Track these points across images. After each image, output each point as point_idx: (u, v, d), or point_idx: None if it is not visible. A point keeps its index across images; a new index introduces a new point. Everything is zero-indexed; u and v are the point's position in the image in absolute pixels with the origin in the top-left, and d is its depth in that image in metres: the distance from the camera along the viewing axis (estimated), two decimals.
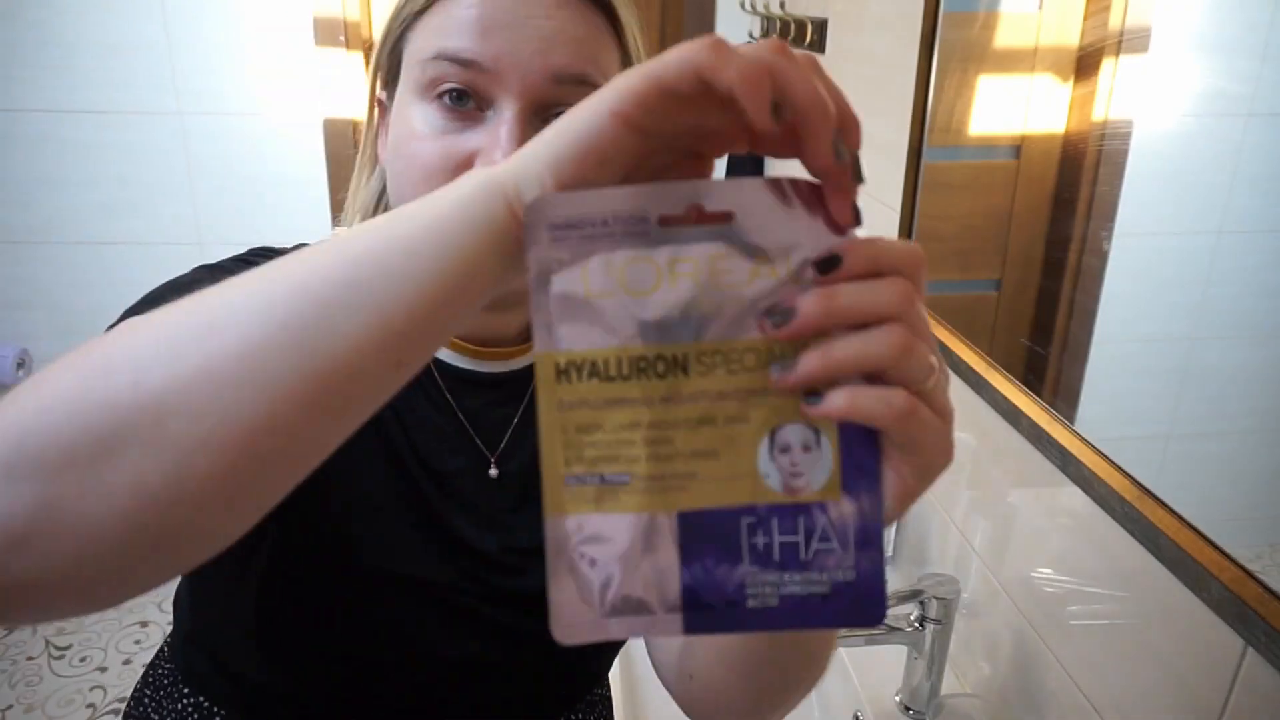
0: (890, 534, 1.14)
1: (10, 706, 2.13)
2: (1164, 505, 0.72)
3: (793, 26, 1.72)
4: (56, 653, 2.32)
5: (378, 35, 0.60)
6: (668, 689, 0.67)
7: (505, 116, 0.52)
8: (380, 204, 0.65)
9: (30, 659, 2.29)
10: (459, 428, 0.63)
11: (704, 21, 2.14)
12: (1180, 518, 0.70)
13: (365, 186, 0.65)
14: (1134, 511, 0.74)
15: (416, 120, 0.54)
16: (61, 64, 2.04)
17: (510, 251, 0.34)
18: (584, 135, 0.33)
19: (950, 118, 1.13)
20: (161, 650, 0.75)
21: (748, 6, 1.95)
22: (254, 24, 2.04)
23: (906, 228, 1.23)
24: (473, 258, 0.33)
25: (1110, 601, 0.80)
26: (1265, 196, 0.67)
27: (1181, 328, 0.75)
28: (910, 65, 1.19)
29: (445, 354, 0.63)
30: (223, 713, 0.67)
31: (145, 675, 0.75)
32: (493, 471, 0.63)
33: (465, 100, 0.53)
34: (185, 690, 0.69)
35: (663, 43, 2.21)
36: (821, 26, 1.60)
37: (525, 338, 0.64)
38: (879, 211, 1.33)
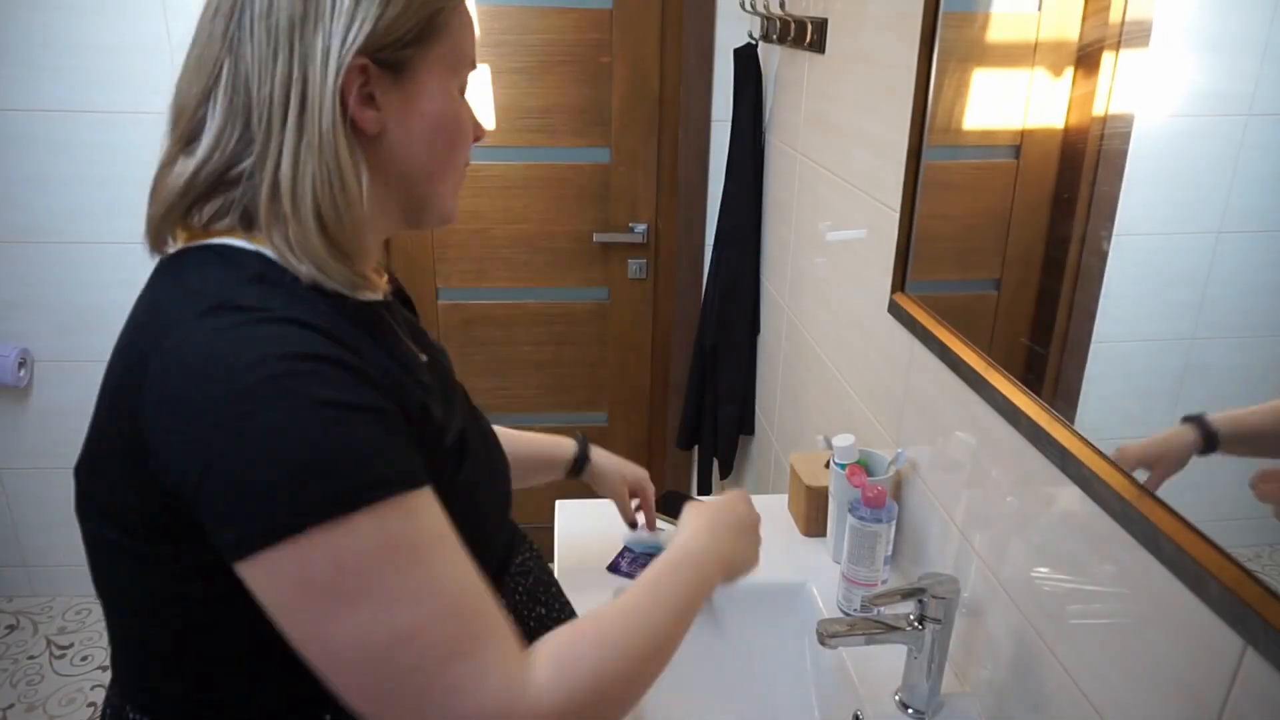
0: (890, 533, 1.14)
1: (12, 705, 2.14)
2: (1164, 505, 0.72)
3: (793, 26, 1.72)
4: (58, 652, 2.32)
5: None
6: None
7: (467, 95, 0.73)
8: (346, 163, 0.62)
9: (32, 658, 2.30)
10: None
11: (704, 22, 2.14)
12: (1180, 517, 0.70)
13: (329, 138, 0.61)
14: (1134, 511, 0.74)
15: (457, 100, 0.69)
16: (61, 64, 2.04)
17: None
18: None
19: (950, 117, 1.14)
20: None
21: (748, 6, 1.95)
22: None
23: (906, 227, 1.23)
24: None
25: (1110, 601, 0.80)
26: (1265, 196, 0.67)
27: (1181, 328, 0.75)
28: (910, 65, 1.19)
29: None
30: None
31: None
32: (423, 357, 0.75)
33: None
34: None
35: (663, 43, 2.21)
36: (821, 26, 1.60)
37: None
38: (879, 212, 1.33)
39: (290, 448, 0.53)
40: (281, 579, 0.54)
